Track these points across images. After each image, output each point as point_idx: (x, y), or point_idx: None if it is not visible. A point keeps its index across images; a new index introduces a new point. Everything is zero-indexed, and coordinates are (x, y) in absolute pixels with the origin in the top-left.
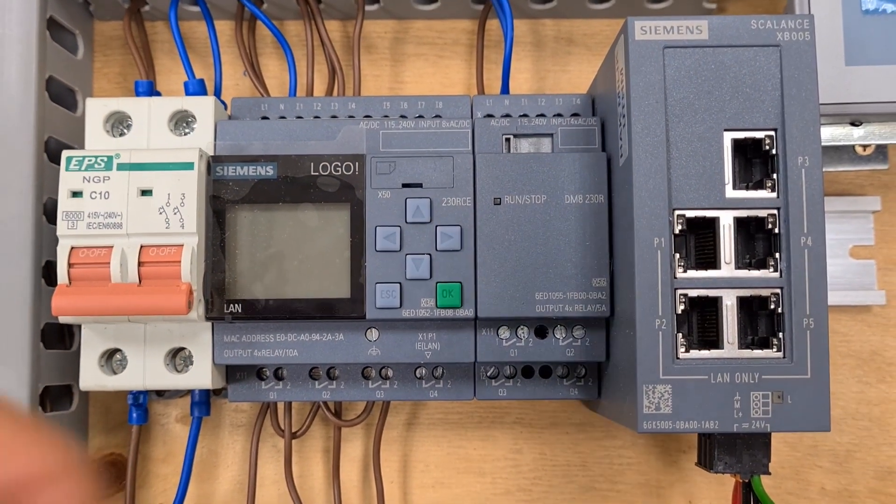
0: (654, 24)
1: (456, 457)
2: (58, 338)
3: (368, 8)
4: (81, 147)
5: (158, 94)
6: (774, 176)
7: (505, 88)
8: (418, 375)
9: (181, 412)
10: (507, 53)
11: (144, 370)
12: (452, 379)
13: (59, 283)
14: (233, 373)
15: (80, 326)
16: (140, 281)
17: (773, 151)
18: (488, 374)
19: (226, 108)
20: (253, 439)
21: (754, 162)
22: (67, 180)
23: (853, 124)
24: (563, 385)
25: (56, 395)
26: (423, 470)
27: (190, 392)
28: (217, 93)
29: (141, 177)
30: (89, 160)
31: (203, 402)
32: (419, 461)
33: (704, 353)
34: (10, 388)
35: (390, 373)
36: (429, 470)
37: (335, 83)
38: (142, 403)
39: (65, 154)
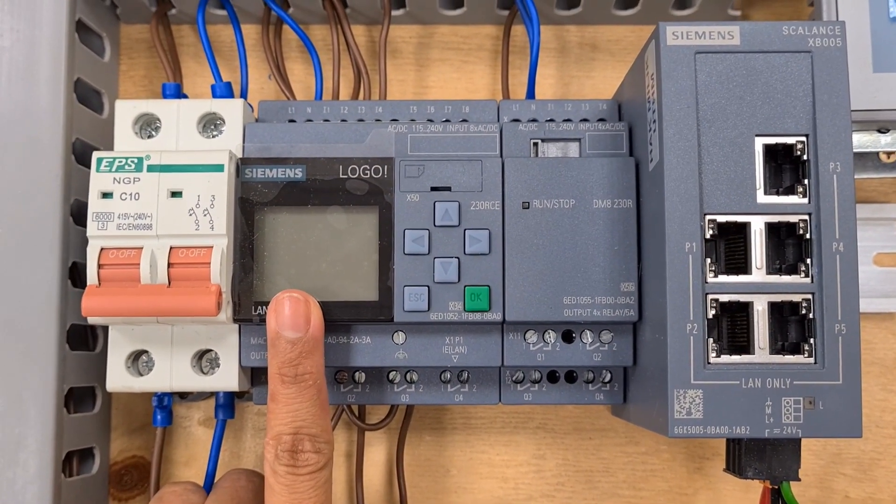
0: (685, 29)
1: (479, 462)
2: (82, 339)
3: (394, 13)
4: (107, 149)
5: (185, 96)
6: (806, 181)
7: (531, 93)
8: (444, 379)
9: (204, 415)
10: (533, 59)
11: (171, 372)
12: (478, 383)
13: (88, 283)
14: (258, 375)
15: (104, 328)
16: (169, 282)
17: (805, 157)
18: (514, 378)
19: (252, 111)
20: None
21: (784, 167)
22: (98, 181)
23: (880, 131)
24: (588, 390)
25: (79, 397)
26: (445, 475)
27: (213, 395)
28: (243, 96)
29: (171, 178)
30: (119, 161)
31: (227, 405)
32: (442, 466)
33: (735, 358)
34: (36, 388)
35: (415, 377)
36: (451, 475)
37: (360, 87)
38: (166, 406)
39: (95, 155)
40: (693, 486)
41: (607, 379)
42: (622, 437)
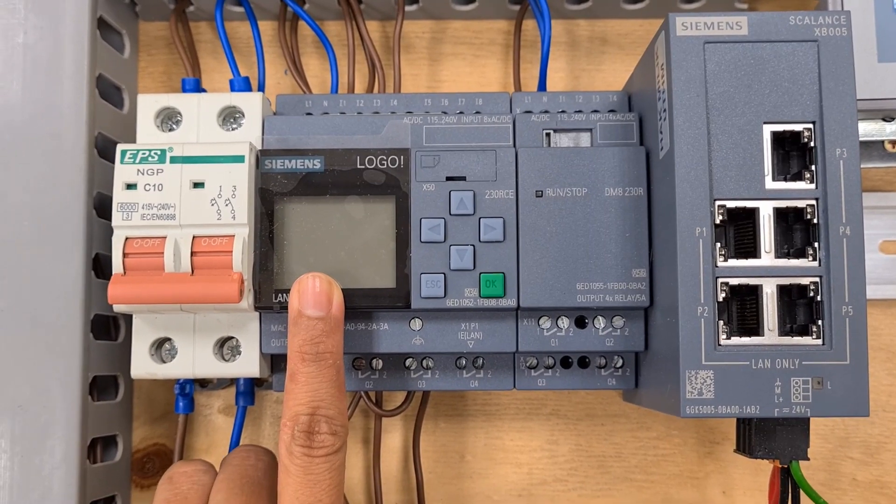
0: (694, 20)
1: (493, 448)
2: (105, 329)
3: (408, 8)
4: (127, 143)
5: (204, 91)
6: (813, 167)
7: (542, 86)
8: (459, 366)
9: (224, 403)
10: (544, 52)
11: (194, 359)
12: (493, 369)
13: (113, 272)
14: (277, 363)
15: (126, 318)
16: (193, 270)
17: (812, 144)
18: (528, 364)
19: (270, 105)
20: None
21: (792, 154)
22: (122, 173)
23: (885, 119)
24: (600, 375)
25: (102, 386)
26: (460, 460)
27: (232, 384)
28: (260, 91)
29: (193, 169)
30: (143, 153)
31: (248, 392)
32: (457, 452)
33: (745, 340)
34: (62, 377)
35: (431, 363)
36: (466, 461)
37: (375, 81)
38: (188, 393)
39: (119, 147)
40: (704, 469)
41: (619, 364)
42: (634, 423)
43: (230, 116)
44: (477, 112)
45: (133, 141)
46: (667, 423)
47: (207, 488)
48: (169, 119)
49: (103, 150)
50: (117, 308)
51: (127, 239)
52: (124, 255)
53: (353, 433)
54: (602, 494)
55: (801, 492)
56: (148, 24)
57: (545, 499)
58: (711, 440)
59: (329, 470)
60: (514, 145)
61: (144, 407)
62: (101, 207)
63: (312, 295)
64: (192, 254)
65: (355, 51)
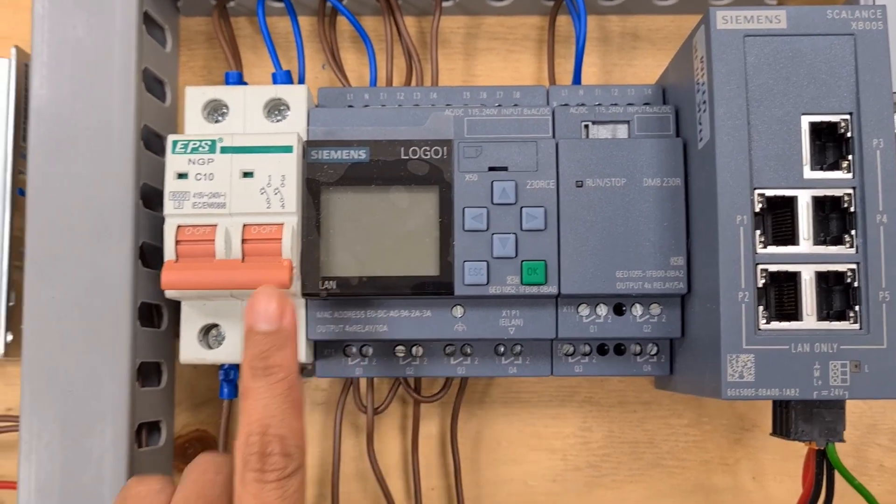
0: (734, 13)
1: (527, 434)
2: (148, 317)
3: (444, 4)
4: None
5: (246, 84)
6: (850, 157)
7: (577, 79)
8: (498, 352)
9: None
10: (580, 46)
11: (241, 344)
12: (531, 356)
13: (166, 259)
14: (320, 350)
15: (169, 306)
16: (243, 257)
17: (849, 134)
18: (565, 351)
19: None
20: (337, 415)
21: (828, 145)
22: (174, 162)
23: None
24: (636, 362)
25: (146, 373)
26: (495, 447)
27: None
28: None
29: (243, 159)
30: (194, 143)
31: None
32: (492, 438)
33: (784, 325)
34: (112, 363)
35: (471, 350)
36: (501, 447)
37: (413, 75)
38: (232, 379)
39: (170, 138)
40: (734, 455)
41: (654, 352)
42: (665, 410)
43: (275, 108)
44: (515, 105)
45: (174, 133)
46: (698, 410)
47: None
48: (215, 111)
49: (148, 142)
50: (168, 294)
51: (179, 227)
52: (176, 242)
53: (389, 419)
54: (634, 480)
55: (836, 474)
56: (188, 19)
57: (579, 484)
58: (741, 427)
59: (282, 497)
60: (554, 137)
61: (186, 394)
62: (147, 198)
63: (264, 310)
64: (243, 241)
65: (393, 45)
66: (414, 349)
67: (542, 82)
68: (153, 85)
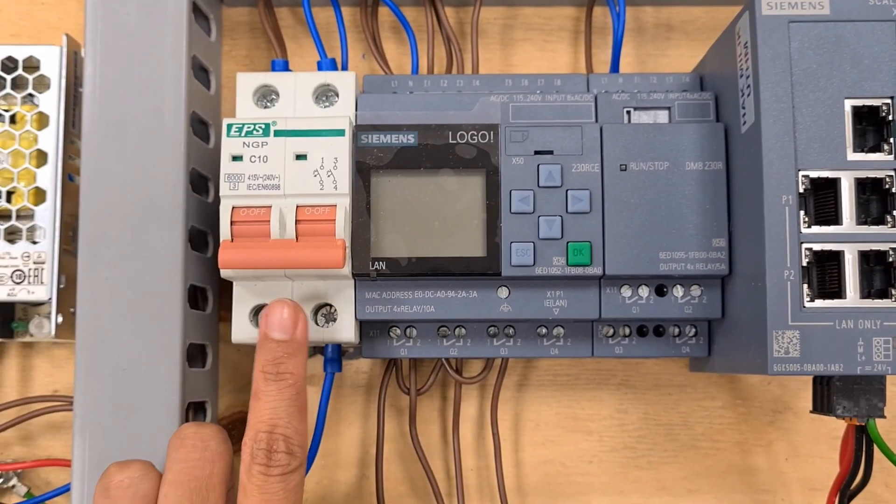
0: (779, 0)
1: (565, 416)
2: (194, 301)
3: None
4: (215, 122)
5: (291, 72)
6: (891, 140)
7: (615, 68)
8: (540, 334)
9: (309, 373)
10: (618, 36)
11: None
12: (572, 338)
13: (222, 239)
14: (366, 331)
15: (214, 290)
16: (297, 237)
17: (890, 117)
18: (605, 333)
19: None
20: (381, 395)
21: (869, 128)
22: (229, 145)
23: None
24: (675, 343)
25: (191, 355)
26: (533, 428)
27: (316, 353)
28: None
29: (296, 142)
30: (248, 127)
31: (335, 360)
32: (530, 420)
33: (828, 303)
34: (164, 344)
35: (513, 331)
36: (539, 428)
37: (453, 64)
38: None
39: (226, 121)
40: (767, 437)
41: (692, 333)
42: (700, 392)
43: (323, 94)
44: (556, 92)
45: (218, 120)
46: (731, 392)
47: (151, 497)
48: (264, 97)
49: (195, 127)
50: (224, 273)
51: (234, 208)
52: (232, 222)
53: (429, 401)
54: (669, 461)
55: (875, 454)
56: (230, 9)
57: (615, 465)
58: (774, 409)
59: (284, 490)
60: (597, 122)
61: (230, 376)
62: (195, 183)
63: (278, 319)
64: (297, 222)
65: (434, 35)
66: (457, 330)
67: (578, 72)
68: (199, 73)
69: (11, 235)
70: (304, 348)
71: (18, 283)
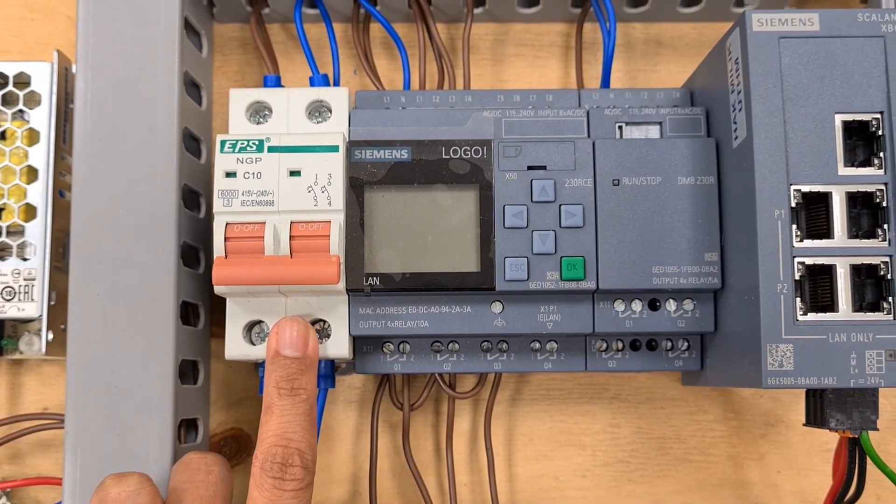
0: (769, 16)
1: (558, 430)
2: (185, 317)
3: (475, 11)
4: (206, 138)
5: (283, 87)
6: (881, 154)
7: (606, 83)
8: (534, 348)
9: None
10: (609, 51)
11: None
12: (566, 352)
13: (216, 255)
14: (359, 346)
15: (206, 306)
16: (291, 254)
17: (880, 132)
18: (598, 347)
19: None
20: (374, 411)
21: (859, 142)
22: (222, 161)
23: None
24: (668, 357)
25: (184, 371)
26: (527, 443)
27: None
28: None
29: (290, 158)
30: (242, 143)
31: (329, 375)
32: (523, 434)
33: (821, 316)
34: (157, 359)
35: (506, 346)
36: (532, 443)
37: (445, 80)
38: None
39: (219, 137)
40: (759, 450)
41: (685, 347)
42: (692, 406)
43: (316, 110)
44: (548, 107)
45: (210, 136)
46: (723, 406)
47: None
48: (257, 113)
49: (187, 143)
50: (218, 290)
51: (228, 224)
52: (226, 239)
53: (422, 416)
54: (662, 475)
55: (867, 466)
56: (222, 25)
57: (608, 479)
58: (766, 422)
59: None
60: (589, 137)
61: (221, 392)
62: (187, 199)
63: (290, 337)
64: (291, 238)
65: (425, 51)
66: (451, 345)
67: (569, 87)
68: (190, 89)
69: (1, 252)
70: (315, 365)
71: (8, 300)
